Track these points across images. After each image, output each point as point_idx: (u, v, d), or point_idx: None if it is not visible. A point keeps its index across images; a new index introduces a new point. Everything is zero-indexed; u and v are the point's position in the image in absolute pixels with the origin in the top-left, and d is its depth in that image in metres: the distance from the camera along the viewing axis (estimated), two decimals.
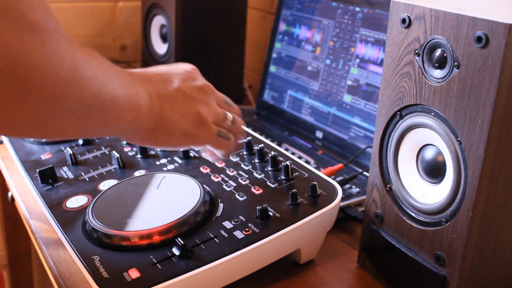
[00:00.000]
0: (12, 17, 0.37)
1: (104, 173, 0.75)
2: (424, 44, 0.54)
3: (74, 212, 0.66)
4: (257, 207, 0.61)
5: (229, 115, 0.62)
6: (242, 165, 0.73)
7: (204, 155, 0.68)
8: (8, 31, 0.36)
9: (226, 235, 0.59)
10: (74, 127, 0.47)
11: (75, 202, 0.68)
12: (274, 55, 1.15)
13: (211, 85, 0.62)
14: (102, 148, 0.82)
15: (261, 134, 0.98)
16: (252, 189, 0.67)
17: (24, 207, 0.78)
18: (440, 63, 0.53)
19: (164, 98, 0.56)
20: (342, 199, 0.76)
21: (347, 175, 0.81)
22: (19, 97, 0.40)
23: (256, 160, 0.74)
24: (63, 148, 0.83)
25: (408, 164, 0.60)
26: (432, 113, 0.55)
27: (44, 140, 0.85)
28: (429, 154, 0.58)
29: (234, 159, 0.75)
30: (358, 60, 0.94)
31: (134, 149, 0.80)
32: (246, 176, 0.70)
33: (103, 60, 0.49)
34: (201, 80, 0.61)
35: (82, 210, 0.66)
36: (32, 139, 0.86)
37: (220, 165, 0.74)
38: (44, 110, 0.42)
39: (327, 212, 0.63)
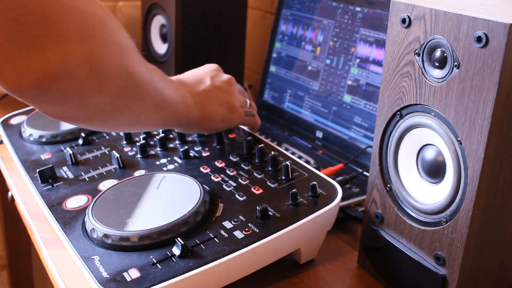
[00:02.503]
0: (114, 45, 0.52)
1: (104, 173, 0.75)
2: (424, 44, 0.54)
3: (74, 212, 0.66)
4: (257, 207, 0.61)
5: (248, 100, 0.82)
6: (242, 165, 0.73)
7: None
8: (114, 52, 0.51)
9: (226, 235, 0.59)
10: (150, 120, 0.62)
11: (75, 202, 0.68)
12: (274, 55, 1.15)
13: (232, 77, 0.79)
14: (102, 148, 0.82)
15: (261, 134, 0.98)
16: (252, 189, 0.67)
17: (24, 207, 0.78)
18: (440, 63, 0.53)
19: (202, 94, 0.72)
20: (342, 199, 0.75)
21: (347, 175, 0.81)
22: (130, 102, 0.56)
23: (256, 160, 0.74)
24: (63, 148, 0.83)
25: (408, 164, 0.60)
26: (432, 113, 0.55)
27: (44, 140, 0.85)
28: (429, 154, 0.58)
29: (234, 159, 0.75)
30: (358, 60, 0.94)
31: (134, 149, 0.80)
32: (246, 176, 0.70)
33: (159, 71, 0.63)
34: (225, 75, 0.78)
35: (82, 210, 0.66)
36: (32, 139, 0.86)
37: (220, 165, 0.74)
38: (142, 109, 0.59)
39: (327, 212, 0.63)
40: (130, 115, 0.59)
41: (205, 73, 0.76)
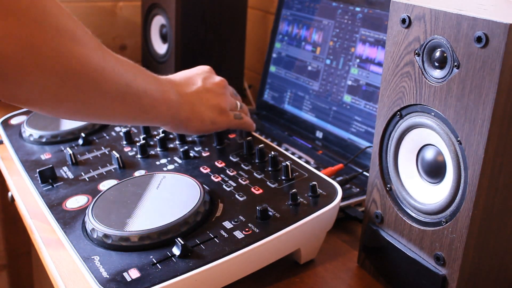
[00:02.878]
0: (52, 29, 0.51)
1: (104, 173, 0.75)
2: (424, 44, 0.54)
3: (74, 212, 0.66)
4: (257, 207, 0.61)
5: (238, 103, 0.81)
6: (242, 165, 0.73)
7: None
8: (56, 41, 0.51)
9: (226, 235, 0.59)
10: (117, 110, 0.61)
11: (75, 202, 0.68)
12: (274, 55, 1.15)
13: (225, 80, 0.79)
14: (102, 148, 0.82)
15: (261, 134, 0.98)
16: (252, 189, 0.67)
17: (24, 207, 0.78)
18: (440, 63, 0.53)
19: (192, 95, 0.72)
20: (342, 199, 0.75)
21: (347, 175, 0.81)
22: (80, 88, 0.55)
23: (256, 160, 0.74)
24: (63, 148, 0.83)
25: (408, 164, 0.60)
26: (432, 113, 0.55)
27: (44, 140, 0.85)
28: (429, 154, 0.58)
29: (234, 159, 0.75)
30: (358, 60, 0.94)
31: (134, 149, 0.80)
32: (246, 176, 0.70)
33: (132, 64, 0.64)
34: (217, 77, 0.78)
35: (82, 210, 0.66)
36: (32, 139, 0.86)
37: (220, 165, 0.74)
38: (89, 92, 0.56)
39: (327, 212, 0.63)
40: (83, 102, 0.57)
41: (196, 74, 0.76)
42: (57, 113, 0.59)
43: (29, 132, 0.87)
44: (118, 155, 0.76)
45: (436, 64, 0.54)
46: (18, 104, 0.54)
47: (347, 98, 0.96)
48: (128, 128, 0.85)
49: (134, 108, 0.63)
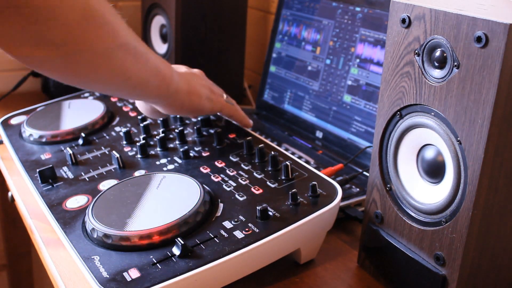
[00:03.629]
0: None
1: (104, 173, 0.75)
2: (424, 44, 0.54)
3: (74, 212, 0.66)
4: (257, 207, 0.61)
5: (225, 95, 0.83)
6: (242, 165, 0.73)
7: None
8: None
9: (226, 235, 0.59)
10: (130, 63, 0.61)
11: (75, 202, 0.68)
12: (274, 55, 1.15)
13: (215, 85, 0.82)
14: (102, 148, 0.82)
15: (261, 134, 0.98)
16: (252, 189, 0.67)
17: (24, 207, 0.78)
18: (440, 63, 0.53)
19: (186, 74, 0.76)
20: (342, 199, 0.75)
21: (347, 175, 0.81)
22: (91, 34, 0.56)
23: (256, 160, 0.74)
24: (63, 148, 0.83)
25: (408, 164, 0.60)
26: (432, 113, 0.55)
27: (44, 140, 0.85)
28: (429, 154, 0.58)
29: (234, 159, 0.75)
30: (358, 60, 0.94)
31: (134, 149, 0.80)
32: (246, 176, 0.70)
33: (145, 45, 0.66)
34: (208, 81, 0.82)
35: (82, 210, 0.66)
36: (32, 139, 0.86)
37: (220, 165, 0.74)
38: (105, 38, 0.57)
39: (327, 212, 0.63)
40: (93, 53, 0.56)
41: (188, 69, 0.81)
42: (65, 71, 0.59)
43: (29, 132, 0.87)
44: (118, 155, 0.76)
45: (436, 64, 0.54)
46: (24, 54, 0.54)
47: (347, 98, 0.96)
48: (128, 128, 0.85)
49: (143, 66, 0.64)
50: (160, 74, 0.67)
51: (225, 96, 0.83)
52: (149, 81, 0.66)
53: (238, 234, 0.59)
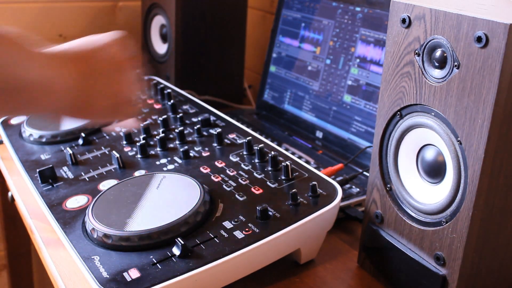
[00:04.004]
0: None
1: (104, 173, 0.75)
2: (424, 44, 0.54)
3: (74, 212, 0.66)
4: (257, 207, 0.61)
5: (134, 100, 0.64)
6: (242, 165, 0.73)
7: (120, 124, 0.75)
8: None
9: (226, 235, 0.59)
10: None
11: (75, 202, 0.68)
12: (274, 55, 1.15)
13: (134, 59, 0.63)
14: (102, 148, 0.82)
15: (261, 134, 0.98)
16: (252, 189, 0.67)
17: (24, 207, 0.78)
18: (440, 63, 0.53)
19: (86, 76, 0.58)
20: (342, 199, 0.76)
21: (347, 175, 0.81)
22: None
23: (256, 160, 0.74)
24: (63, 148, 0.83)
25: (408, 164, 0.60)
26: (432, 113, 0.55)
27: (44, 140, 0.85)
28: (429, 154, 0.58)
29: (234, 159, 0.75)
30: (358, 60, 0.94)
31: (134, 149, 0.80)
32: (246, 176, 0.70)
33: (14, 47, 0.52)
34: (125, 53, 0.62)
35: (82, 210, 0.66)
36: (32, 139, 0.86)
37: (220, 165, 0.74)
38: None
39: (327, 212, 0.63)
40: None
41: (100, 48, 0.60)
42: None
43: (29, 132, 0.87)
44: (118, 155, 0.76)
45: (436, 64, 0.54)
46: None
47: (347, 98, 0.96)
48: (128, 128, 0.85)
49: (12, 103, 0.53)
50: (41, 100, 0.54)
51: (134, 101, 0.64)
52: (34, 108, 0.55)
53: (238, 234, 0.59)
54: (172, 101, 0.92)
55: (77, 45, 0.60)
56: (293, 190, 0.64)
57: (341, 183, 0.77)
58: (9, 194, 0.89)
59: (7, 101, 0.53)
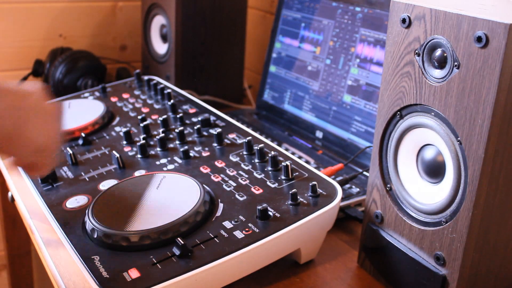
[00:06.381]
0: None
1: (104, 173, 0.75)
2: (424, 44, 0.54)
3: (74, 212, 0.66)
4: (257, 207, 0.61)
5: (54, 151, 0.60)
6: (242, 165, 0.73)
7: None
8: None
9: (226, 235, 0.59)
10: None
11: (75, 202, 0.68)
12: (274, 55, 1.15)
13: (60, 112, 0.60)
14: (102, 148, 0.82)
15: (261, 134, 0.98)
16: (252, 189, 0.67)
17: (24, 207, 0.78)
18: (440, 63, 0.53)
19: (17, 110, 0.55)
20: (342, 199, 0.76)
21: (347, 175, 0.81)
22: None
23: (256, 160, 0.74)
24: (63, 148, 0.83)
25: (408, 164, 0.60)
26: (432, 113, 0.55)
27: None
28: (429, 154, 0.58)
29: (234, 159, 0.75)
30: (358, 60, 0.94)
31: (134, 149, 0.80)
32: (246, 176, 0.70)
33: None
34: (51, 104, 0.59)
35: (82, 210, 0.66)
36: None
37: (220, 165, 0.74)
38: None
39: (327, 212, 0.63)
40: None
41: (30, 91, 0.58)
42: None
43: None
44: (118, 155, 0.76)
45: (436, 64, 0.54)
46: None
47: (347, 98, 0.96)
48: (128, 128, 0.85)
49: None
50: None
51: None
52: None
53: (238, 234, 0.59)
54: (172, 101, 0.92)
55: (7, 84, 0.57)
56: (293, 190, 0.64)
57: (341, 183, 0.78)
58: (9, 194, 0.89)
59: None
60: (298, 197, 0.64)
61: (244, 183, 0.69)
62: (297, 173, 0.70)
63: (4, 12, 1.25)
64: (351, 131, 0.95)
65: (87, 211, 0.64)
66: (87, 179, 0.74)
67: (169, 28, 1.18)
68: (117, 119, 0.92)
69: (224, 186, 0.69)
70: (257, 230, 0.60)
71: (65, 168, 0.77)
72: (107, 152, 0.81)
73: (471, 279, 0.55)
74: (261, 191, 0.67)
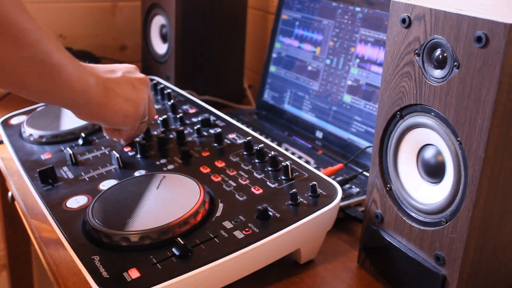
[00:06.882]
0: None
1: (104, 173, 0.75)
2: (424, 44, 0.54)
3: (74, 212, 0.66)
4: (257, 207, 0.61)
5: (146, 118, 0.78)
6: (242, 165, 0.73)
7: (109, 137, 0.80)
8: None
9: (226, 235, 0.59)
10: (30, 77, 0.57)
11: (75, 202, 0.68)
12: (274, 55, 1.15)
13: (148, 78, 0.76)
14: (102, 148, 0.82)
15: (261, 134, 0.98)
16: (252, 189, 0.67)
17: (24, 207, 0.78)
18: (440, 63, 0.53)
19: (110, 82, 0.69)
20: (342, 199, 0.76)
21: (347, 175, 0.81)
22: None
23: (256, 160, 0.74)
24: (63, 148, 0.83)
25: (408, 164, 0.60)
26: (432, 113, 0.55)
27: (44, 140, 0.85)
28: (429, 154, 0.58)
29: (234, 159, 0.75)
30: (358, 60, 0.94)
31: (134, 149, 0.80)
32: (246, 176, 0.70)
33: (55, 38, 0.60)
34: (141, 74, 0.75)
35: (82, 210, 0.66)
36: (32, 139, 0.86)
37: (220, 165, 0.74)
38: (5, 48, 0.53)
39: (327, 212, 0.63)
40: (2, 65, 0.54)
41: (119, 67, 0.73)
42: None
43: (29, 132, 0.87)
44: (118, 155, 0.76)
45: (436, 64, 0.54)
46: None
47: (347, 98, 0.96)
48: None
49: (48, 80, 0.59)
50: (69, 86, 0.61)
51: (145, 119, 0.77)
52: (53, 92, 0.61)
53: (238, 234, 0.59)
54: (172, 101, 0.92)
55: (97, 65, 0.71)
56: (293, 190, 0.64)
57: (341, 183, 0.78)
58: (9, 194, 0.89)
59: (46, 76, 0.58)
60: (298, 197, 0.64)
61: (244, 183, 0.69)
62: (297, 173, 0.70)
63: None
64: (351, 131, 0.95)
65: (87, 211, 0.64)
66: (87, 179, 0.74)
67: (169, 28, 1.18)
68: None
69: (224, 186, 0.69)
70: (257, 230, 0.60)
71: (65, 168, 0.77)
72: (107, 152, 0.81)
73: (471, 279, 0.55)
74: (261, 191, 0.67)
